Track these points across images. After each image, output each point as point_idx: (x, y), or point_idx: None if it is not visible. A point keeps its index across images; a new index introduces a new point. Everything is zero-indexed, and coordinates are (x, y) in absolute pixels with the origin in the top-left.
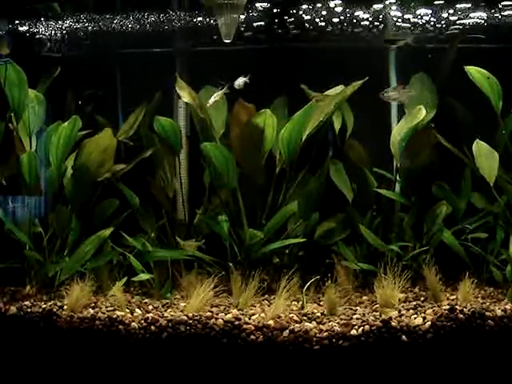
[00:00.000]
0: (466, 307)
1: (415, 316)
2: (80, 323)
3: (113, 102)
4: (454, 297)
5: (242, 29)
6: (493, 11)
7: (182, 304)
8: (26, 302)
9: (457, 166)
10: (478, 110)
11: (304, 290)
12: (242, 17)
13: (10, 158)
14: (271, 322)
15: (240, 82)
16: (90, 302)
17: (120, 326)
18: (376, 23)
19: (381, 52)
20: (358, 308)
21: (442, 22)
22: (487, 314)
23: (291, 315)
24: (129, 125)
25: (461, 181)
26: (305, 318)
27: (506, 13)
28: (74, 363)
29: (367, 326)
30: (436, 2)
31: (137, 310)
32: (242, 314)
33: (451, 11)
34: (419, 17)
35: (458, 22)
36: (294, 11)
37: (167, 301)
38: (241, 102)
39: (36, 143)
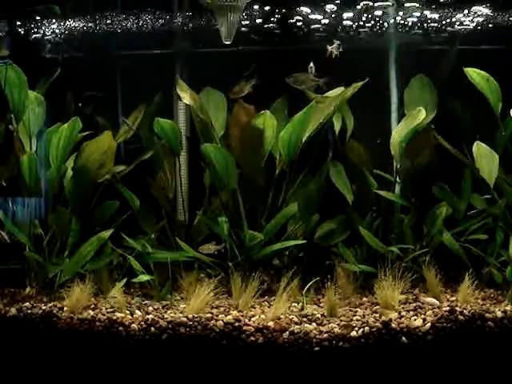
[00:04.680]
0: (465, 309)
1: (415, 317)
2: (80, 325)
3: (113, 104)
4: (454, 298)
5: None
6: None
7: (182, 305)
8: (26, 304)
9: (457, 167)
10: (478, 111)
11: (304, 291)
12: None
13: (10, 160)
14: (271, 324)
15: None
16: (90, 303)
17: (120, 328)
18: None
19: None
20: (358, 309)
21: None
22: (487, 315)
23: (291, 317)
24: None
25: (460, 182)
26: (305, 319)
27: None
28: (74, 365)
29: (367, 328)
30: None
31: (137, 311)
32: (242, 316)
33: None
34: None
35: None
36: (294, 12)
37: (167, 302)
38: (241, 103)
39: (36, 144)
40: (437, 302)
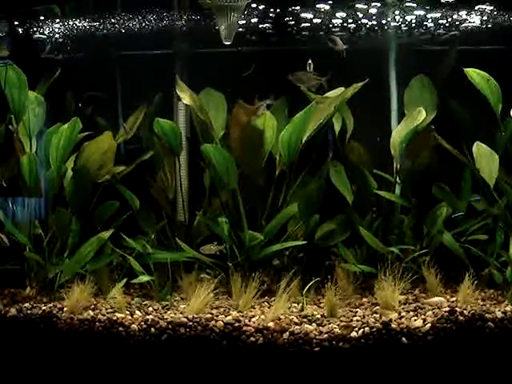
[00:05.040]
0: (466, 309)
1: (415, 318)
2: (80, 325)
3: (113, 104)
4: (454, 299)
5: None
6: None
7: (182, 306)
8: (26, 304)
9: (457, 167)
10: (478, 111)
11: (304, 291)
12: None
13: (10, 160)
14: (271, 324)
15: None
16: (90, 303)
17: (120, 328)
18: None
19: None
20: (358, 310)
21: None
22: (487, 315)
23: (291, 317)
24: (128, 126)
25: (460, 182)
26: (305, 319)
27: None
28: (74, 365)
29: (367, 328)
30: None
31: (137, 311)
32: (242, 316)
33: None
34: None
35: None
36: (294, 13)
37: (167, 303)
38: (241, 104)
39: (36, 145)
40: (443, 299)
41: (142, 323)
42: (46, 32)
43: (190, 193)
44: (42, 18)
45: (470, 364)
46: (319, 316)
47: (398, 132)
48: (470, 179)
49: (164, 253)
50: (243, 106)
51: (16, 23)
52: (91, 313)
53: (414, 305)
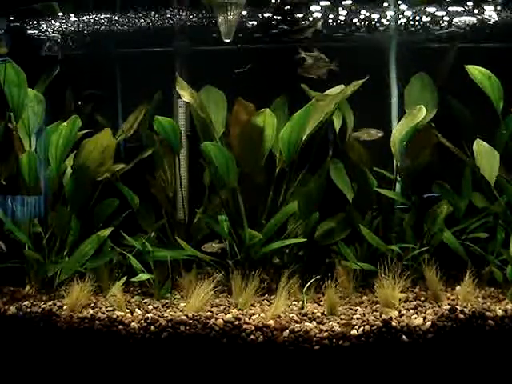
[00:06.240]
0: (466, 307)
1: (415, 316)
2: (80, 323)
3: (112, 102)
4: (455, 297)
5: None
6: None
7: (182, 304)
8: (26, 302)
9: (457, 165)
10: (479, 109)
11: (304, 289)
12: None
13: (9, 158)
14: (271, 322)
15: None
16: (90, 301)
17: (120, 326)
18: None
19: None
20: (358, 308)
21: None
22: (488, 314)
23: (291, 315)
24: (128, 124)
25: (461, 180)
26: (305, 317)
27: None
28: (74, 363)
29: (367, 326)
30: None
31: (136, 309)
32: (242, 314)
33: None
34: None
35: None
36: (294, 10)
37: (167, 301)
38: (241, 102)
39: (35, 143)
40: None
41: (142, 321)
42: (45, 30)
43: (190, 191)
44: (41, 15)
45: (471, 362)
46: (319, 314)
47: (399, 130)
48: (470, 177)
49: (164, 251)
50: (243, 104)
51: (15, 20)
52: (91, 311)
53: (415, 303)
